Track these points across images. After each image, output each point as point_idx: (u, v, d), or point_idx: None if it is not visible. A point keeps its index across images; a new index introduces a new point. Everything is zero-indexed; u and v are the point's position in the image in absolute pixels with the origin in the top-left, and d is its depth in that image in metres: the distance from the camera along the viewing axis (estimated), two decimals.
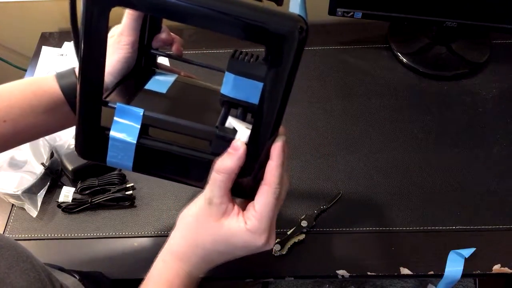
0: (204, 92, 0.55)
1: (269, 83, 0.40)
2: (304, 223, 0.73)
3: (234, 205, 0.45)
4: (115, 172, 0.79)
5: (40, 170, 0.78)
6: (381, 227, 0.74)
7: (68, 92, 0.53)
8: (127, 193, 0.77)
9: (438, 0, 0.88)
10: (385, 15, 0.92)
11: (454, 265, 0.69)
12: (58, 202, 0.77)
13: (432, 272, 0.70)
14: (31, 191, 0.77)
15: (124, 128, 0.43)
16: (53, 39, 1.06)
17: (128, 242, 0.74)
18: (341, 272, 0.70)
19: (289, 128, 0.87)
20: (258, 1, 0.40)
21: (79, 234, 0.75)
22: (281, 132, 0.44)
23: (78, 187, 0.78)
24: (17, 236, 0.75)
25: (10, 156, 0.80)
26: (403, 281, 1.30)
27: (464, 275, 0.69)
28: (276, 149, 0.42)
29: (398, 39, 1.01)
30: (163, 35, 0.54)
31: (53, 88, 0.53)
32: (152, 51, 0.55)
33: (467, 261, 0.70)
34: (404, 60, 0.97)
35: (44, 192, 0.79)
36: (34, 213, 0.77)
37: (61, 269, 0.64)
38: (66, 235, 0.75)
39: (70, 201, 0.77)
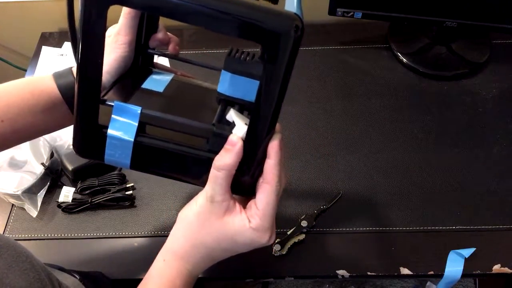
0: (201, 90, 0.56)
1: (265, 81, 0.40)
2: (304, 223, 0.73)
3: (235, 202, 0.45)
4: (115, 172, 0.79)
5: (40, 170, 0.78)
6: (381, 227, 0.74)
7: (65, 91, 0.53)
8: (127, 193, 0.77)
9: (438, 0, 0.88)
10: (385, 15, 0.92)
11: (454, 265, 0.69)
12: (58, 202, 0.77)
13: (432, 272, 0.70)
14: (31, 191, 0.77)
15: (122, 126, 0.43)
16: (53, 39, 1.06)
17: (128, 242, 0.74)
18: (341, 272, 0.70)
19: (289, 128, 0.87)
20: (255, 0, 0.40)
21: (79, 234, 0.75)
22: (277, 129, 0.44)
23: (78, 187, 0.78)
24: (17, 236, 0.75)
25: (10, 156, 0.80)
26: (403, 281, 1.30)
27: (464, 275, 0.69)
28: (274, 147, 0.43)
29: (398, 39, 1.01)
30: (159, 35, 0.54)
31: (51, 87, 0.53)
32: (149, 50, 0.55)
33: (467, 261, 0.70)
34: (404, 60, 0.97)
35: (44, 192, 0.79)
36: (34, 213, 0.77)
37: (61, 269, 0.64)
38: (66, 235, 0.75)
39: (70, 201, 0.77)
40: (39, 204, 0.77)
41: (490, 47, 0.98)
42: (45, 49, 1.03)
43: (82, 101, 0.43)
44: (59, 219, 0.77)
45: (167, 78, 0.55)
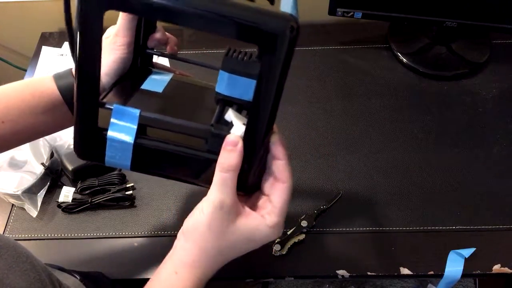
0: (200, 90, 0.56)
1: (262, 81, 0.40)
2: (304, 223, 0.73)
3: (243, 204, 0.45)
4: (115, 172, 0.79)
5: (40, 170, 0.78)
6: (381, 227, 0.74)
7: (66, 92, 0.53)
8: (127, 193, 0.77)
9: (438, 0, 0.88)
10: (385, 15, 0.92)
11: (454, 265, 0.69)
12: (58, 202, 0.77)
13: (432, 272, 0.70)
14: (31, 191, 0.77)
15: (122, 129, 0.44)
16: (53, 39, 1.06)
17: (128, 242, 0.74)
18: (341, 272, 0.70)
19: (289, 128, 0.87)
20: (251, 1, 0.40)
21: (79, 234, 0.75)
22: (274, 129, 0.45)
23: (78, 187, 0.78)
24: (17, 236, 0.75)
25: (10, 156, 0.80)
26: (403, 281, 1.30)
27: (464, 275, 0.69)
28: (280, 148, 0.45)
29: (398, 39, 1.01)
30: (158, 35, 0.54)
31: (51, 89, 0.53)
32: (148, 51, 0.55)
33: (467, 261, 0.70)
34: (404, 60, 0.97)
35: (44, 192, 0.79)
36: (34, 213, 0.77)
37: (62, 269, 0.64)
38: (66, 235, 0.75)
39: (70, 201, 0.77)
40: (39, 204, 0.77)
41: (490, 47, 0.98)
42: (45, 49, 1.03)
43: (81, 104, 0.43)
44: (59, 219, 0.77)
45: (166, 78, 0.55)
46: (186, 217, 0.46)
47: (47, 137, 0.82)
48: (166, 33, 0.56)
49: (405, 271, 0.70)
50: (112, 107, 0.43)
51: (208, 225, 0.44)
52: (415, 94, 0.92)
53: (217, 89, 0.44)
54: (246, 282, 0.72)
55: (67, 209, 0.77)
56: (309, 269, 0.71)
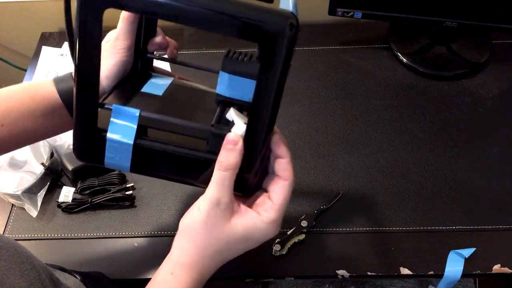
0: (200, 93, 0.56)
1: (262, 80, 0.40)
2: (304, 223, 0.73)
3: (239, 203, 0.45)
4: (115, 172, 0.79)
5: (40, 170, 0.78)
6: (381, 227, 0.74)
7: (66, 96, 0.53)
8: (127, 193, 0.77)
9: (438, 0, 0.88)
10: (385, 15, 0.92)
11: (454, 265, 0.69)
12: (58, 202, 0.77)
13: (432, 272, 0.70)
14: (31, 191, 0.77)
15: (121, 129, 0.43)
16: (53, 39, 1.06)
17: (128, 242, 0.74)
18: (341, 272, 0.70)
19: (289, 128, 0.87)
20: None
21: (79, 234, 0.75)
22: (275, 129, 0.45)
23: (78, 187, 0.78)
24: (17, 236, 0.75)
25: (10, 156, 0.80)
26: (403, 281, 1.30)
27: (464, 275, 0.69)
28: (282, 147, 0.45)
29: (398, 39, 1.01)
30: (158, 39, 0.54)
31: (51, 92, 0.53)
32: (148, 55, 0.55)
33: (467, 261, 0.70)
34: (404, 60, 0.97)
35: (44, 192, 0.79)
36: (34, 213, 0.77)
37: (62, 269, 0.64)
38: (66, 235, 0.75)
39: (70, 201, 0.77)
40: (39, 204, 0.78)
41: (490, 47, 0.98)
42: (45, 49, 1.03)
43: (80, 105, 0.43)
44: (59, 219, 0.77)
45: (166, 82, 0.55)
46: None
47: None
48: (166, 37, 0.56)
49: (405, 271, 0.70)
50: (111, 107, 0.43)
51: (204, 223, 0.44)
52: (415, 94, 0.92)
53: (218, 91, 0.44)
54: (246, 282, 0.72)
55: (67, 209, 0.77)
56: (309, 269, 0.71)
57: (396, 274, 0.70)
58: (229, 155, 0.42)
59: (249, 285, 1.19)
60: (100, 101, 0.44)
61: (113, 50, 0.52)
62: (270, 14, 0.37)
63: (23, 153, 0.80)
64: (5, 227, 0.76)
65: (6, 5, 1.07)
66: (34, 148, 0.81)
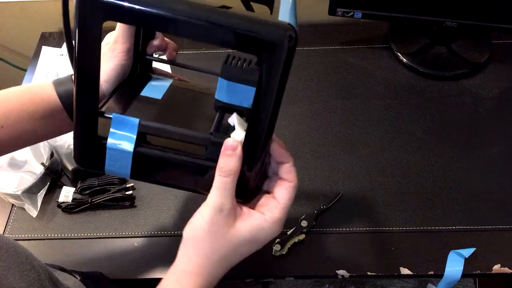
0: (199, 96, 0.56)
1: (261, 89, 0.40)
2: (304, 223, 0.73)
3: (241, 207, 0.45)
4: None
5: (40, 170, 0.78)
6: (381, 227, 0.74)
7: (65, 99, 0.53)
8: (127, 193, 0.77)
9: (438, 0, 0.88)
10: (385, 15, 0.92)
11: (454, 265, 0.69)
12: (58, 202, 0.77)
13: (432, 272, 0.70)
14: (31, 191, 0.77)
15: (121, 138, 0.44)
16: (53, 39, 1.06)
17: (128, 242, 0.74)
18: (341, 272, 0.70)
19: (289, 128, 0.87)
20: (250, 10, 0.40)
21: (79, 234, 0.75)
22: (272, 137, 0.45)
23: (78, 187, 0.78)
24: (17, 236, 0.75)
25: (10, 156, 0.80)
26: (403, 281, 1.29)
27: (464, 275, 0.69)
28: (283, 153, 0.46)
29: (398, 39, 1.01)
30: (157, 41, 0.54)
31: (51, 95, 0.53)
32: (147, 57, 0.55)
33: (467, 261, 0.70)
34: (404, 60, 0.97)
35: (44, 192, 0.79)
36: (34, 213, 0.77)
37: (62, 269, 0.64)
38: (66, 235, 0.75)
39: (70, 201, 0.77)
40: (39, 204, 0.78)
41: (490, 47, 0.98)
42: (45, 49, 1.03)
43: (81, 114, 0.43)
44: (59, 219, 0.77)
45: (165, 84, 0.55)
46: (186, 217, 0.46)
47: None
48: (165, 38, 0.56)
49: (405, 271, 0.70)
50: (111, 116, 0.43)
51: (208, 230, 0.43)
52: (415, 94, 0.92)
53: (217, 97, 0.44)
54: (246, 282, 0.72)
55: (67, 209, 0.77)
56: (309, 269, 0.71)
57: (396, 274, 0.70)
58: (228, 161, 0.42)
59: (249, 285, 1.19)
60: (99, 105, 0.44)
61: (111, 54, 0.52)
62: (269, 26, 0.37)
63: (23, 153, 0.80)
64: (5, 227, 0.76)
65: (6, 5, 1.07)
66: (34, 148, 0.81)
